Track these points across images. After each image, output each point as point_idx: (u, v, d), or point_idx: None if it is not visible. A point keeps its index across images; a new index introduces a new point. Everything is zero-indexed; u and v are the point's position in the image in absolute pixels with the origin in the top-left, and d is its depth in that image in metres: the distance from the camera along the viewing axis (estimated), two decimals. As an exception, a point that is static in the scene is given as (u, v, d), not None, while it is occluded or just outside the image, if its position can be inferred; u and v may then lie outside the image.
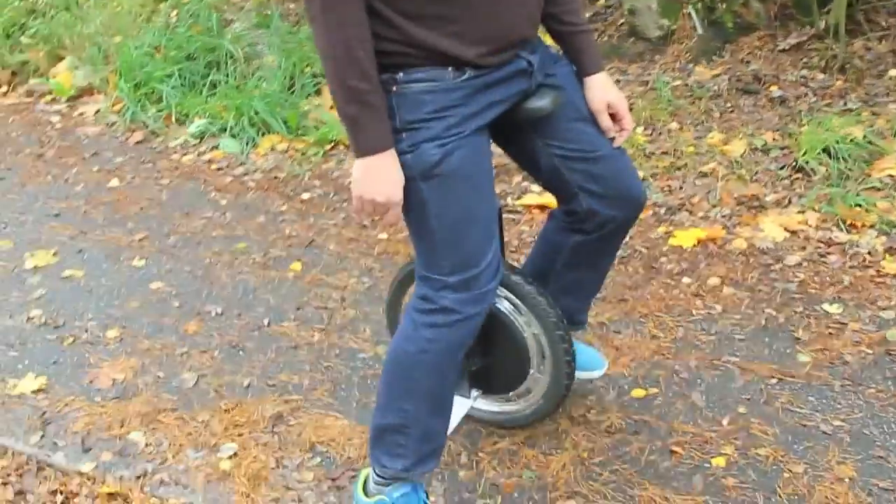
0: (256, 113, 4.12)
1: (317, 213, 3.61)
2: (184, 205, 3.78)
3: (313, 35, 1.82)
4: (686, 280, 3.04)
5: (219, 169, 4.01)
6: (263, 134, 4.15)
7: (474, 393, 2.48)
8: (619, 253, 2.91)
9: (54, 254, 3.52)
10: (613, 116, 2.13)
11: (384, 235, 3.42)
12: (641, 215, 2.62)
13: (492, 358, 2.42)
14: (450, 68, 1.87)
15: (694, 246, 3.21)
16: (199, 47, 4.53)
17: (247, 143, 4.11)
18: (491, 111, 1.95)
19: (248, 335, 2.92)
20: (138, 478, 2.38)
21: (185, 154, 4.19)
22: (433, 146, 1.88)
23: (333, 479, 2.37)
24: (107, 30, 4.79)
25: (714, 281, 3.02)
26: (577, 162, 2.10)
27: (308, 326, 2.95)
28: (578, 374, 2.55)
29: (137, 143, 4.34)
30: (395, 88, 1.88)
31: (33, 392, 2.75)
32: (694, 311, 2.90)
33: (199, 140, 4.22)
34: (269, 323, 2.98)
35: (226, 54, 4.47)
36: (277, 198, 3.74)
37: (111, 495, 2.34)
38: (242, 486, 2.35)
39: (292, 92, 4.29)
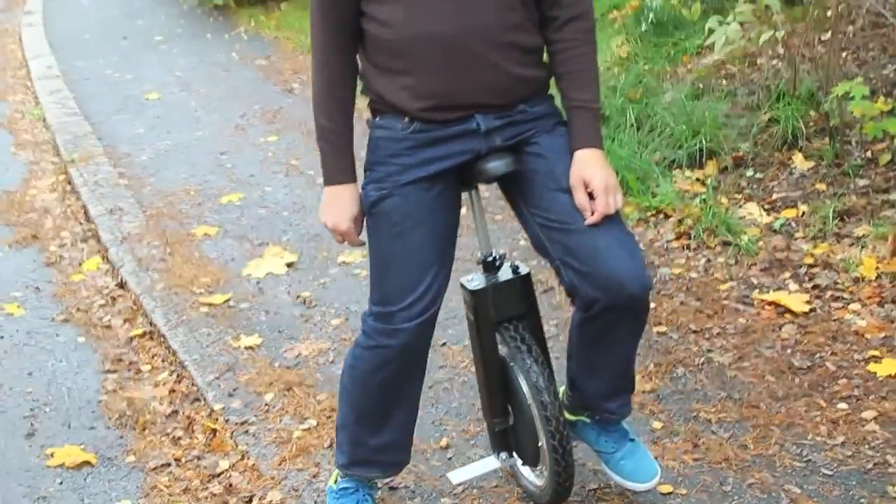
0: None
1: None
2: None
3: None
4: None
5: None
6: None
7: (502, 455, 2.82)
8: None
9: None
10: (592, 195, 2.39)
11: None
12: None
13: (513, 421, 2.75)
14: (405, 119, 2.42)
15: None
16: (609, 108, 5.17)
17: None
18: (433, 166, 2.43)
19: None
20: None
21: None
22: (373, 188, 2.48)
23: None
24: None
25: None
26: (554, 232, 2.43)
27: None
28: (618, 481, 2.72)
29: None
30: (369, 131, 2.50)
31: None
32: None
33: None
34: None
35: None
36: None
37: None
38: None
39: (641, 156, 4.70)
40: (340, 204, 2.50)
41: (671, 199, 4.45)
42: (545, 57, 2.47)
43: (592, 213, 2.34)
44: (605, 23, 6.38)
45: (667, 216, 4.43)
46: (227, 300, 4.19)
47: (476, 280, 2.60)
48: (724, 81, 5.30)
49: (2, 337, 4.14)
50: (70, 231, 5.30)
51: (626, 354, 2.58)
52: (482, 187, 2.62)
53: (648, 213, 4.48)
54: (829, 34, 4.66)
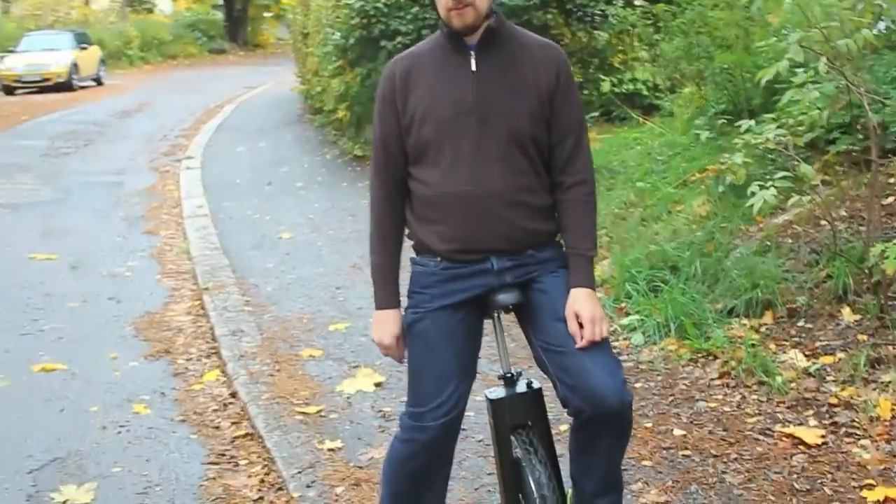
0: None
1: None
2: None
3: None
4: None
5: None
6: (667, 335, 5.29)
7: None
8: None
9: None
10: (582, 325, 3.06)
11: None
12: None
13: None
14: (436, 258, 3.16)
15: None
16: (680, 260, 5.78)
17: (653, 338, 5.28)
18: (456, 296, 3.15)
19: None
20: None
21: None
22: (411, 312, 3.20)
23: None
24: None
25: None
26: (552, 354, 3.10)
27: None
28: None
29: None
30: (411, 267, 3.25)
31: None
32: None
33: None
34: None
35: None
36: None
37: None
38: None
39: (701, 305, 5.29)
40: (386, 324, 3.23)
41: (721, 343, 5.01)
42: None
43: (582, 339, 3.00)
44: (690, 185, 7.05)
45: (715, 357, 4.99)
46: (320, 410, 4.91)
47: (496, 392, 3.26)
48: (790, 240, 5.86)
49: (129, 430, 4.94)
50: (197, 348, 6.17)
51: (612, 458, 3.16)
52: (505, 315, 3.30)
53: (699, 355, 5.05)
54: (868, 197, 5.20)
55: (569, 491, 3.32)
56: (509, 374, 3.23)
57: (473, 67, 3.07)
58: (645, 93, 11.42)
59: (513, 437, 3.23)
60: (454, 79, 3.07)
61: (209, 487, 4.33)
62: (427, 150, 3.08)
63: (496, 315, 3.22)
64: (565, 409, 3.05)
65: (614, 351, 5.11)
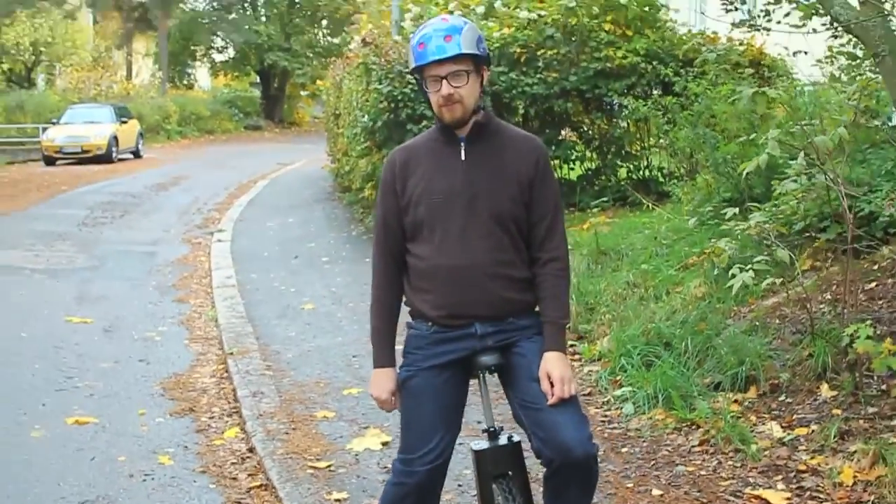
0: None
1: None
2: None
3: None
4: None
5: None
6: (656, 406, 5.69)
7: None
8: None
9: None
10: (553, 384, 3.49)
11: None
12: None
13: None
14: (428, 323, 3.61)
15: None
16: (673, 337, 6.19)
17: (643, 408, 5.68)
18: (444, 357, 3.61)
19: None
20: None
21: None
22: (404, 370, 3.67)
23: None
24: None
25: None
26: (527, 410, 3.55)
27: None
28: None
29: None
30: (406, 330, 3.70)
31: None
32: None
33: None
34: None
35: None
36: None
37: None
38: None
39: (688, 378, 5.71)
40: (382, 381, 3.68)
41: (705, 414, 5.41)
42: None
43: (553, 396, 3.43)
44: (690, 268, 7.49)
45: (698, 427, 5.38)
46: (329, 465, 5.32)
47: (480, 444, 3.69)
48: (777, 321, 6.27)
49: (153, 478, 5.37)
50: (220, 407, 6.62)
51: (577, 506, 3.58)
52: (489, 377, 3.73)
53: (683, 424, 5.44)
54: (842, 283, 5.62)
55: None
56: (492, 429, 3.66)
57: (463, 157, 3.56)
58: (660, 179, 11.90)
59: (494, 486, 3.64)
60: (446, 167, 3.57)
61: (225, 531, 4.76)
62: (422, 229, 3.57)
63: (481, 375, 3.65)
64: (539, 460, 3.47)
65: (605, 417, 5.56)
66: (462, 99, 3.47)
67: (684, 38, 11.56)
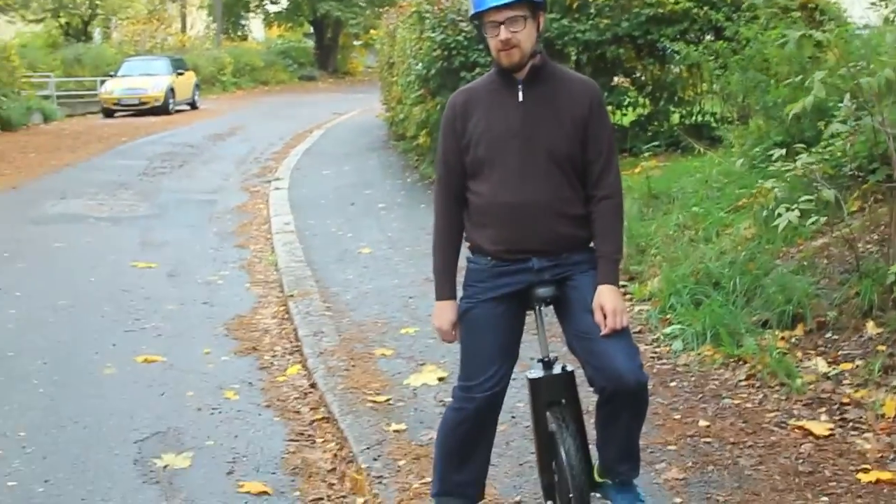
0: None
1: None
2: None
3: None
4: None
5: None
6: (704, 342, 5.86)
7: (549, 502, 4.02)
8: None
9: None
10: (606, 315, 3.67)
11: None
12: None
13: (554, 476, 3.96)
14: (487, 257, 3.80)
15: None
16: (722, 276, 6.33)
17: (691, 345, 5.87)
18: (501, 289, 3.79)
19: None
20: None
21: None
22: (465, 302, 3.86)
23: None
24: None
25: None
26: (580, 340, 3.73)
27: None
28: None
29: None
30: (467, 264, 3.89)
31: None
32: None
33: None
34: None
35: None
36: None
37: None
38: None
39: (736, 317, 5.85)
40: (444, 312, 3.88)
41: (752, 350, 5.56)
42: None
43: (606, 328, 3.61)
44: (740, 210, 7.59)
45: (745, 362, 5.53)
46: (388, 399, 5.55)
47: (535, 372, 3.88)
48: (825, 261, 6.38)
49: (220, 412, 5.64)
50: (281, 346, 6.88)
51: (630, 431, 3.75)
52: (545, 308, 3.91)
53: (730, 360, 5.60)
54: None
55: (595, 463, 3.91)
56: (546, 359, 3.84)
57: (520, 98, 3.71)
58: (713, 124, 11.93)
59: (548, 413, 3.83)
60: (504, 108, 3.73)
61: (289, 459, 5.01)
62: (481, 167, 3.74)
63: (537, 308, 3.82)
64: (591, 388, 3.65)
65: (655, 354, 5.73)
66: (520, 43, 3.61)
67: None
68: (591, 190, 3.74)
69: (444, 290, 3.90)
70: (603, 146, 3.75)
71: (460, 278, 3.87)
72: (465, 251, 3.88)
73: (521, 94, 3.72)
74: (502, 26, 3.60)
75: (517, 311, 3.83)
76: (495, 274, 3.77)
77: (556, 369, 3.85)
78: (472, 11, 3.71)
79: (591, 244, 3.78)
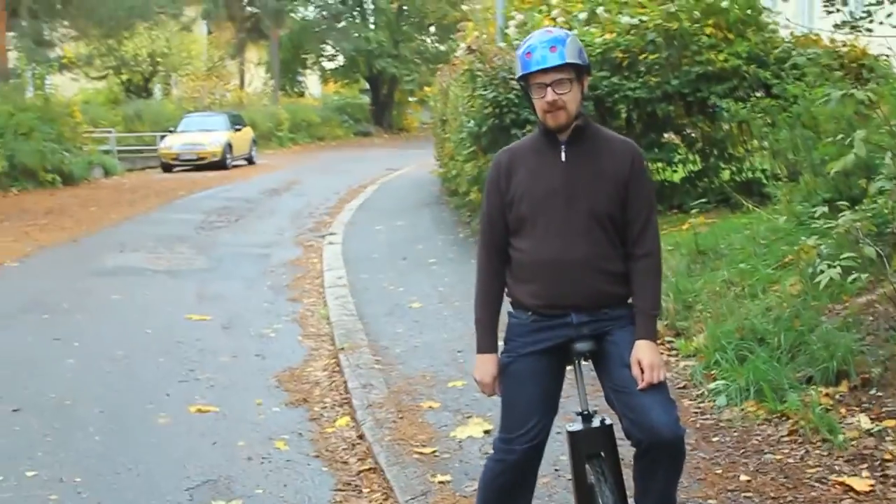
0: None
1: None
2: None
3: None
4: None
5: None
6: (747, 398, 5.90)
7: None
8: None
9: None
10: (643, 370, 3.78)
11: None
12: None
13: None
14: (528, 312, 3.93)
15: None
16: (767, 333, 6.38)
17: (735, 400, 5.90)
18: (542, 344, 3.92)
19: None
20: None
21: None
22: (505, 356, 3.99)
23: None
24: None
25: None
26: (618, 393, 3.84)
27: None
28: None
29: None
30: (508, 319, 4.02)
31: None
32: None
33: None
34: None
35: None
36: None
37: None
38: None
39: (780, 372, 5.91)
40: (486, 365, 4.00)
41: (795, 406, 5.60)
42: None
43: (643, 381, 3.71)
44: (786, 266, 7.64)
45: (788, 418, 5.57)
46: (434, 451, 5.66)
47: (575, 426, 3.98)
48: (871, 318, 6.41)
49: (270, 461, 5.79)
50: (331, 398, 7.03)
51: (667, 484, 3.81)
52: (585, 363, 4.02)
53: (773, 416, 5.64)
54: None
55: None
56: (586, 412, 3.95)
57: (563, 158, 3.85)
58: (763, 181, 11.98)
59: (587, 466, 3.93)
60: (547, 167, 3.87)
61: (335, 509, 5.14)
62: (524, 224, 3.88)
63: (576, 361, 3.94)
64: (629, 441, 3.75)
65: (699, 409, 5.79)
66: (565, 105, 3.77)
67: (776, 41, 11.59)
68: (630, 248, 3.86)
69: (486, 342, 4.02)
70: (643, 205, 3.87)
71: (502, 333, 3.98)
72: (506, 306, 4.00)
73: (563, 153, 3.86)
74: (549, 88, 3.76)
75: (557, 365, 3.94)
76: (535, 329, 3.90)
77: (596, 422, 3.95)
78: (519, 73, 3.87)
79: (630, 300, 3.89)
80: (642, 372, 3.70)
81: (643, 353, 3.74)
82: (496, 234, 3.98)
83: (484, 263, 4.04)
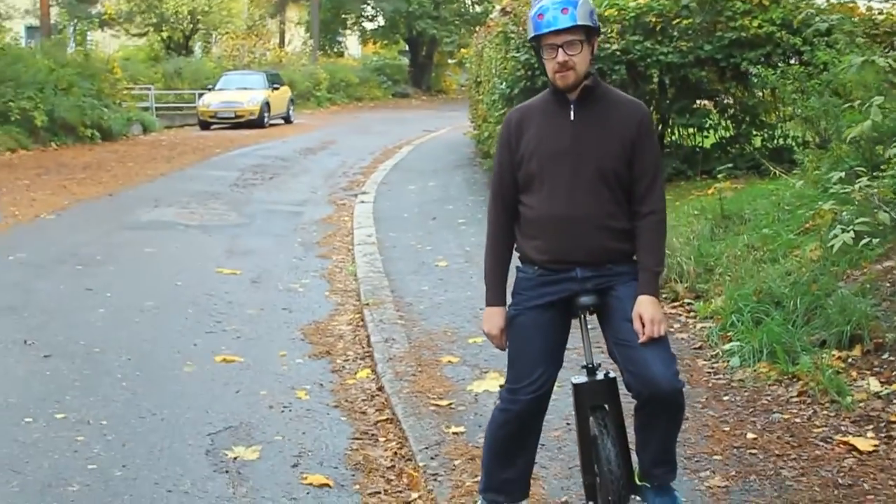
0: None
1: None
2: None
3: None
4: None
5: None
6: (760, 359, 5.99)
7: (591, 503, 4.23)
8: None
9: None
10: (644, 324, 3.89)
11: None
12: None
13: (596, 478, 4.18)
14: (534, 266, 4.06)
15: None
16: (784, 296, 6.45)
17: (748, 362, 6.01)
18: (546, 297, 4.04)
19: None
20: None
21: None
22: (513, 309, 4.12)
23: None
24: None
25: None
26: (620, 347, 3.96)
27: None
28: None
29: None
30: (516, 273, 4.15)
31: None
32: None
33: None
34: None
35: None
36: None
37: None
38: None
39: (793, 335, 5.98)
40: (494, 318, 4.12)
41: (806, 368, 5.69)
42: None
43: (644, 335, 3.82)
44: (808, 232, 7.70)
45: (799, 379, 5.67)
46: (450, 403, 5.81)
47: (579, 378, 4.10)
48: (888, 284, 6.47)
49: (290, 410, 5.96)
50: (353, 351, 7.20)
51: (666, 436, 3.94)
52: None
53: (785, 377, 5.74)
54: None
55: (636, 468, 4.12)
56: (590, 365, 4.06)
57: (572, 117, 3.95)
58: (795, 148, 11.98)
59: (591, 418, 4.05)
60: (556, 126, 3.97)
61: (352, 456, 5.30)
62: (533, 181, 3.98)
63: (581, 316, 4.05)
64: (629, 393, 3.86)
65: (712, 369, 5.90)
66: (575, 66, 3.86)
67: (805, 8, 11.54)
68: (636, 206, 3.96)
69: (494, 296, 4.15)
70: (648, 165, 3.96)
71: (510, 287, 4.10)
72: (515, 261, 4.11)
73: (573, 113, 3.95)
74: (560, 49, 3.85)
75: (562, 318, 4.05)
76: (541, 283, 4.01)
77: (599, 375, 4.06)
78: (531, 34, 3.97)
79: (634, 257, 4.00)
80: (643, 326, 3.80)
81: (645, 307, 3.84)
82: (506, 190, 4.09)
83: (494, 219, 4.16)
